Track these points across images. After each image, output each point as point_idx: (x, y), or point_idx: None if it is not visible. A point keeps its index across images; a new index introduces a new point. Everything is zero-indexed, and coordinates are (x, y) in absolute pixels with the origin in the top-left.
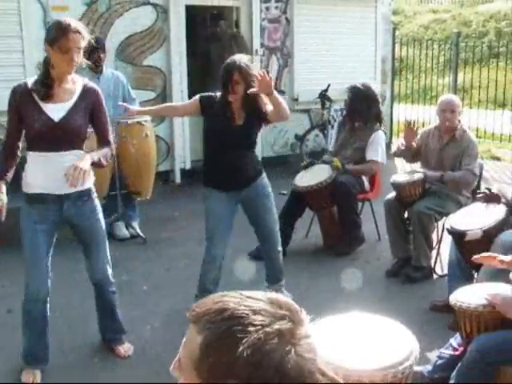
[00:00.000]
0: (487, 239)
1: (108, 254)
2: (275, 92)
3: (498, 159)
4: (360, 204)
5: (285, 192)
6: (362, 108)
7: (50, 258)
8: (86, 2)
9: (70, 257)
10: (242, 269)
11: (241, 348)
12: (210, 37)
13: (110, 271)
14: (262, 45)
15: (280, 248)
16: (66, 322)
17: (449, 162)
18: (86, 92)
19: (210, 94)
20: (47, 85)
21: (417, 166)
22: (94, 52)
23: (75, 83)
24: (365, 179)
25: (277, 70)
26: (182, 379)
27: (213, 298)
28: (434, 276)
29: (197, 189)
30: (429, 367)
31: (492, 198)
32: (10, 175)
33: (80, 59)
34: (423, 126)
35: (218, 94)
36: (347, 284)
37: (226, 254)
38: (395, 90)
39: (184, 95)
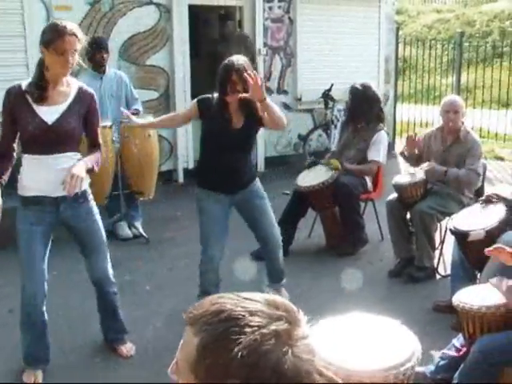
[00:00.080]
0: (490, 239)
1: (108, 254)
2: (268, 100)
3: (502, 159)
4: (363, 204)
5: (288, 192)
6: (363, 109)
7: (46, 261)
8: (89, 2)
9: (71, 257)
10: (243, 269)
11: (237, 349)
12: (217, 37)
13: (110, 272)
14: (265, 44)
15: (280, 249)
16: (68, 322)
17: (453, 164)
18: (81, 95)
19: (208, 96)
20: (41, 87)
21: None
22: (98, 52)
23: (70, 86)
24: (368, 179)
25: (280, 70)
26: (180, 382)
27: (210, 300)
28: (437, 276)
29: None
30: (431, 368)
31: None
32: (5, 177)
33: (75, 62)
34: (426, 125)
35: (215, 95)
36: (350, 284)
37: (227, 254)
38: (398, 90)
39: (187, 95)
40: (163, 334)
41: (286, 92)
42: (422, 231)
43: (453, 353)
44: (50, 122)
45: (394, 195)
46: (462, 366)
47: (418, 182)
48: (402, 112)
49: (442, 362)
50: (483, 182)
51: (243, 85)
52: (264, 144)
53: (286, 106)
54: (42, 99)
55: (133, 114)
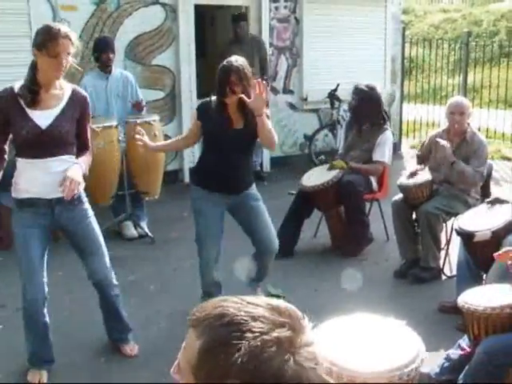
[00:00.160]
0: (496, 240)
1: (106, 256)
2: (265, 116)
3: (509, 159)
4: (368, 204)
5: (293, 192)
6: (368, 110)
7: (45, 263)
8: (95, 2)
9: (76, 257)
10: (244, 269)
11: (237, 355)
12: (230, 37)
13: (111, 274)
14: (271, 44)
15: (274, 253)
16: (73, 322)
17: None
18: (75, 98)
19: (206, 100)
20: (33, 91)
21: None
22: (104, 52)
23: (63, 89)
24: (373, 179)
25: (286, 70)
26: (182, 382)
27: (213, 303)
28: (443, 277)
29: None
30: (436, 369)
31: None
32: None
33: (68, 65)
34: (433, 126)
35: (213, 98)
36: (355, 285)
37: (229, 254)
38: (405, 90)
39: (193, 95)
40: (167, 334)
41: (291, 92)
42: (427, 232)
43: (458, 353)
44: (43, 127)
45: (399, 195)
46: (466, 367)
47: (423, 183)
48: (408, 112)
49: (446, 364)
50: (489, 182)
51: (242, 86)
52: None
53: (291, 106)
54: (34, 103)
55: (138, 105)
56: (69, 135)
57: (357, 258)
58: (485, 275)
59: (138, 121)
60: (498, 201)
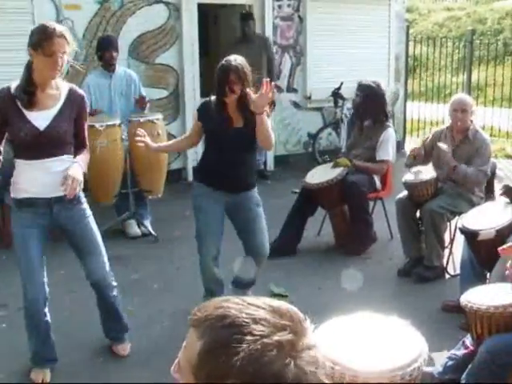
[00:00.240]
0: (500, 239)
1: (105, 256)
2: (265, 115)
3: None
4: (372, 203)
5: (297, 190)
6: (373, 107)
7: (44, 262)
8: (99, 1)
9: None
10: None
11: (237, 357)
12: (238, 36)
13: (109, 274)
14: (275, 43)
15: (265, 259)
16: (75, 321)
17: (461, 163)
18: (72, 97)
19: (205, 100)
20: (29, 92)
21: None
22: (107, 51)
23: (59, 88)
24: (376, 178)
25: (289, 68)
26: (182, 381)
27: (214, 303)
28: (446, 276)
29: None
30: (439, 368)
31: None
32: None
33: (64, 64)
34: (437, 124)
35: (213, 98)
36: (355, 284)
37: (230, 254)
38: (409, 88)
39: (196, 94)
40: (170, 333)
41: (295, 90)
42: (431, 230)
43: (461, 352)
44: (41, 128)
45: (404, 193)
46: (469, 366)
47: (428, 180)
48: (412, 110)
49: (449, 363)
50: (493, 180)
51: (241, 85)
52: (274, 142)
53: (295, 105)
54: (31, 104)
55: (141, 100)
56: (67, 135)
57: (361, 257)
58: (488, 274)
59: (142, 119)
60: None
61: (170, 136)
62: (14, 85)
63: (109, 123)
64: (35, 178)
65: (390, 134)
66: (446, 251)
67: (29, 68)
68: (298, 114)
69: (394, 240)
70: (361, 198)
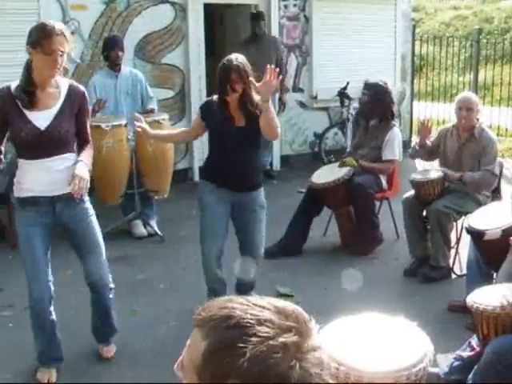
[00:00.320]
0: (506, 239)
1: (104, 257)
2: (270, 104)
3: None
4: (378, 203)
5: (303, 190)
6: (382, 105)
7: (49, 261)
8: (105, 1)
9: None
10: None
11: (242, 359)
12: (248, 36)
13: (107, 275)
14: (281, 43)
15: (260, 261)
16: (81, 321)
17: (467, 161)
18: (72, 93)
19: (209, 98)
20: (29, 92)
21: (436, 164)
22: (112, 51)
23: (59, 86)
24: (382, 178)
25: (295, 68)
26: (185, 380)
27: (219, 303)
28: (453, 276)
29: None
30: (445, 369)
31: None
32: None
33: (64, 62)
34: (443, 123)
35: (215, 97)
36: (356, 284)
37: (231, 255)
38: (416, 88)
39: (202, 94)
40: (176, 333)
41: (301, 90)
42: (437, 230)
43: (467, 353)
44: (42, 128)
45: (410, 193)
46: (475, 367)
47: (435, 180)
48: (419, 110)
49: (455, 363)
50: (500, 180)
51: (243, 84)
52: (280, 142)
53: (301, 105)
54: (31, 104)
55: (147, 112)
56: (68, 134)
57: (367, 257)
58: (495, 274)
59: (148, 119)
60: None
61: None
62: (13, 84)
63: (115, 123)
64: (37, 177)
65: (395, 134)
66: (453, 251)
67: (28, 67)
68: (304, 114)
69: (400, 240)
70: (367, 199)
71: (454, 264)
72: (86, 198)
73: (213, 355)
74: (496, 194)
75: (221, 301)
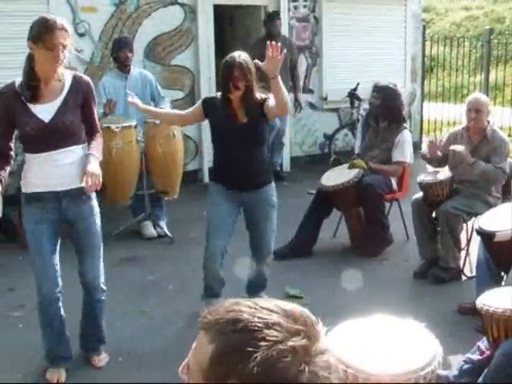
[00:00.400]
0: None
1: (101, 260)
2: (279, 78)
3: None
4: (388, 204)
5: (313, 192)
6: (392, 108)
7: (58, 257)
8: (115, 3)
9: None
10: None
11: (251, 364)
12: (263, 36)
13: (100, 278)
14: (295, 44)
15: (270, 259)
16: None
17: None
18: (76, 84)
19: (212, 95)
20: (32, 86)
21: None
22: (122, 52)
23: (63, 78)
24: (393, 180)
25: (305, 69)
26: (190, 382)
27: (226, 306)
28: (463, 277)
29: None
30: (455, 371)
31: None
32: (4, 175)
33: (65, 57)
34: (454, 124)
35: (219, 94)
36: (374, 285)
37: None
38: (426, 89)
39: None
40: (185, 335)
41: (311, 91)
42: (447, 232)
43: (477, 356)
44: (46, 120)
45: (419, 194)
46: (486, 369)
47: (443, 181)
48: (429, 111)
49: (465, 366)
50: (510, 181)
51: (246, 81)
52: (290, 144)
53: (311, 106)
54: (35, 98)
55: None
56: (74, 126)
57: (377, 258)
58: (505, 276)
59: (157, 121)
60: None
61: (187, 137)
62: (18, 80)
63: (124, 125)
64: (43, 171)
65: (405, 136)
66: (463, 253)
67: (30, 62)
68: (314, 115)
69: (410, 241)
70: (377, 200)
71: (464, 265)
72: (93, 196)
73: (220, 359)
74: (506, 195)
75: (227, 303)
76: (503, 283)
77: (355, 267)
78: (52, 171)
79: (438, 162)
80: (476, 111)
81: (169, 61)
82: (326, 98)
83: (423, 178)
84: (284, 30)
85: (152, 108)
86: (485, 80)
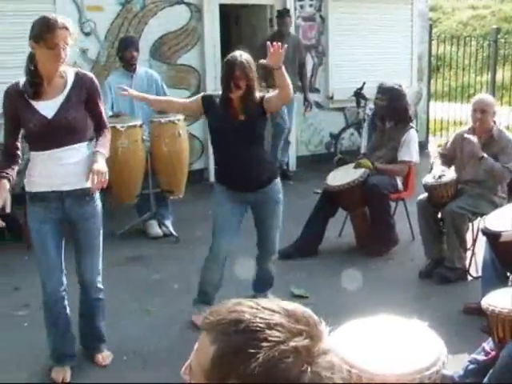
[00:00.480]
0: None
1: (99, 261)
2: (283, 68)
3: None
4: (393, 204)
5: (318, 191)
6: (399, 108)
7: (63, 256)
8: (121, 2)
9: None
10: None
11: (253, 365)
12: (272, 34)
13: (97, 278)
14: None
15: (275, 257)
16: None
17: None
18: (79, 80)
19: (212, 93)
20: (35, 83)
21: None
22: (127, 51)
23: (65, 75)
24: (398, 179)
25: (311, 69)
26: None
27: (228, 306)
28: (469, 277)
29: None
30: (460, 372)
31: None
32: (12, 174)
33: (67, 56)
34: (460, 124)
35: (219, 92)
36: (379, 285)
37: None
38: (432, 88)
39: None
40: (190, 334)
41: (317, 90)
42: (453, 232)
43: (482, 357)
44: (49, 117)
45: (424, 194)
46: (491, 370)
47: (448, 183)
48: (435, 110)
49: (471, 366)
50: None
51: (247, 80)
52: (296, 143)
53: (317, 105)
54: (38, 95)
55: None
56: (77, 122)
57: (382, 258)
58: (511, 276)
59: (163, 120)
60: None
61: (193, 136)
62: (22, 80)
63: (130, 124)
64: (47, 170)
65: (412, 136)
66: (469, 253)
67: (32, 61)
68: (320, 114)
69: (415, 241)
70: (382, 199)
71: (469, 266)
72: (97, 196)
73: (222, 360)
74: None
75: (229, 304)
76: (509, 283)
77: (361, 267)
78: (56, 170)
79: (449, 164)
80: (481, 112)
81: (175, 60)
82: (332, 97)
83: (428, 180)
84: (290, 30)
85: (148, 97)
86: (491, 79)
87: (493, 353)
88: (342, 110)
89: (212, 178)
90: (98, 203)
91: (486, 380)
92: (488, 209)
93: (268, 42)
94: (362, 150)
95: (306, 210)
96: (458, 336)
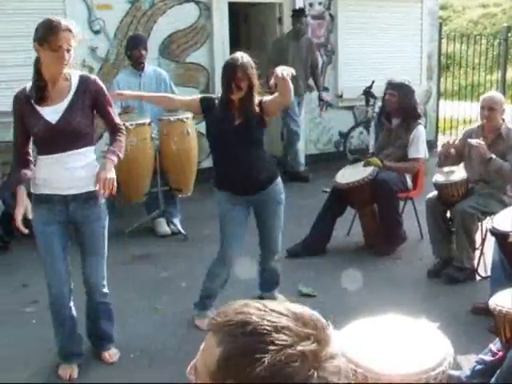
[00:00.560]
0: None
1: (103, 264)
2: (288, 79)
3: None
4: (402, 203)
5: (327, 190)
6: (410, 105)
7: (68, 258)
8: (130, 0)
9: (110, 255)
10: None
11: (259, 368)
12: (287, 33)
13: (102, 281)
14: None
15: (278, 256)
16: None
17: None
18: (84, 84)
19: (211, 96)
20: (40, 87)
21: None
22: (136, 49)
23: (70, 79)
24: (408, 178)
25: (321, 67)
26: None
27: (235, 308)
28: (477, 277)
29: None
30: (467, 372)
31: None
32: (26, 178)
33: (71, 59)
34: (470, 123)
35: (218, 95)
36: (388, 284)
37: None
38: (442, 87)
39: None
40: (197, 333)
41: (326, 89)
42: (462, 231)
43: (489, 357)
44: (53, 122)
45: (434, 193)
46: (498, 370)
47: (458, 182)
48: (445, 109)
49: (478, 367)
50: None
51: (248, 82)
52: (305, 141)
53: (326, 104)
54: (43, 100)
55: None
56: (81, 126)
57: (390, 257)
58: None
59: (172, 118)
60: None
61: (201, 135)
62: (29, 85)
63: (139, 122)
64: (53, 173)
65: (420, 132)
66: (477, 252)
67: (37, 64)
68: (329, 113)
69: (424, 240)
70: (391, 196)
71: (478, 265)
72: (102, 201)
73: (228, 362)
74: None
75: (236, 305)
76: None
77: (369, 266)
78: (62, 173)
79: (452, 161)
80: (489, 109)
81: (183, 58)
82: (341, 96)
83: (438, 178)
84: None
85: (136, 93)
86: (502, 78)
87: (500, 353)
88: (351, 108)
89: None
90: (103, 206)
91: (493, 380)
92: (498, 208)
93: (279, 72)
94: (371, 150)
95: (314, 208)
96: (466, 336)
